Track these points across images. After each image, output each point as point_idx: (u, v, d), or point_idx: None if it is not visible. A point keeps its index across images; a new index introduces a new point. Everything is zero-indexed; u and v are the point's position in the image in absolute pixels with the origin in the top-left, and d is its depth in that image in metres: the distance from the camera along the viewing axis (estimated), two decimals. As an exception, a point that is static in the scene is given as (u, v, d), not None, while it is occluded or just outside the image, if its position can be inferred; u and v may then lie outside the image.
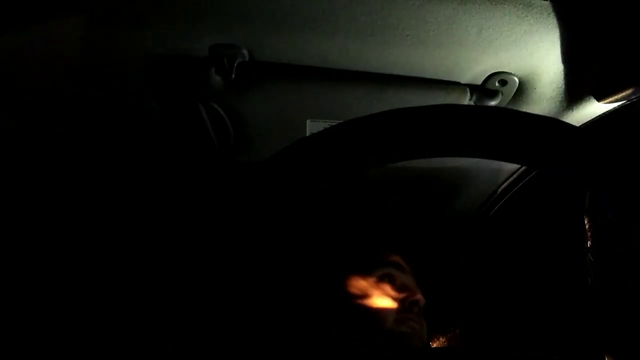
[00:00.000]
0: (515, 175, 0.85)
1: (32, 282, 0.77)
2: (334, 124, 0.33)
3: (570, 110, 0.67)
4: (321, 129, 0.33)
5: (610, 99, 0.62)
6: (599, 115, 0.67)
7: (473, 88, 0.64)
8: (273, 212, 0.32)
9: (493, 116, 0.32)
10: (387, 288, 0.75)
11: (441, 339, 0.97)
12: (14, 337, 0.73)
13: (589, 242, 0.67)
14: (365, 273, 0.76)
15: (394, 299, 0.73)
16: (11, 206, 0.73)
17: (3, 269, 0.75)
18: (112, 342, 0.76)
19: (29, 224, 0.76)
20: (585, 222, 0.68)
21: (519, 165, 0.81)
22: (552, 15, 0.53)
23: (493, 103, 0.65)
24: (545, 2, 0.52)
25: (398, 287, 0.75)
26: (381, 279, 0.75)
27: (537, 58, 0.59)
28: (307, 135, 0.68)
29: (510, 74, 0.62)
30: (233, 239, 0.32)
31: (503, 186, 0.87)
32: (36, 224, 0.77)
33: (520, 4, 0.52)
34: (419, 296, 0.74)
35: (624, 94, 0.59)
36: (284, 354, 0.66)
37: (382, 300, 0.73)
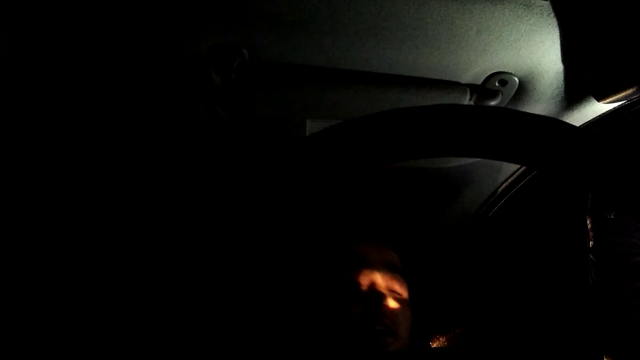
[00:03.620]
0: (515, 175, 0.85)
1: (32, 282, 0.77)
2: (334, 124, 0.33)
3: (570, 110, 0.67)
4: (321, 129, 0.33)
5: (610, 99, 0.62)
6: (599, 115, 0.67)
7: (473, 88, 0.64)
8: (273, 212, 0.32)
9: (493, 116, 0.32)
10: (353, 286, 0.71)
11: (441, 339, 0.97)
12: (14, 337, 0.73)
13: (590, 242, 0.67)
14: (332, 269, 0.73)
15: (358, 298, 0.70)
16: (11, 206, 0.73)
17: (3, 269, 0.75)
18: (112, 342, 0.76)
19: (29, 224, 0.76)
20: (588, 222, 0.68)
21: (519, 165, 0.81)
22: (552, 15, 0.53)
23: (493, 103, 0.65)
24: (545, 2, 0.52)
25: (364, 285, 0.71)
26: (349, 275, 0.72)
27: (537, 58, 0.59)
28: (307, 135, 0.68)
29: (510, 74, 0.61)
30: (230, 240, 0.32)
31: (503, 186, 0.87)
32: (36, 224, 0.77)
33: (520, 4, 0.52)
34: (382, 297, 0.69)
35: (624, 94, 0.59)
36: (272, 353, 0.66)
37: (346, 299, 0.70)
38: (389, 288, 0.72)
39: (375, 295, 0.69)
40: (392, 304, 0.70)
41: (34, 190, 0.73)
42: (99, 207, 0.79)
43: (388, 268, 0.75)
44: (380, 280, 0.72)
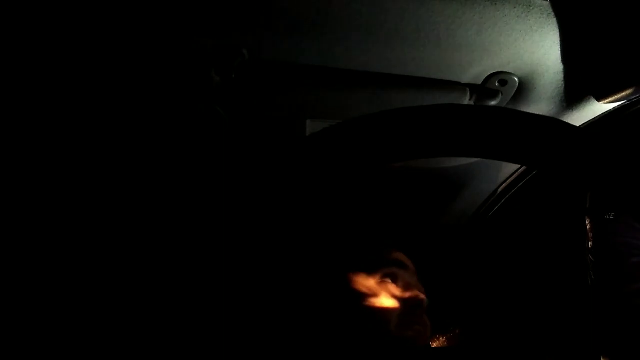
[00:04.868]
0: (515, 175, 0.85)
1: (32, 282, 0.77)
2: (334, 124, 0.33)
3: (570, 110, 0.67)
4: (321, 129, 0.33)
5: (610, 99, 0.62)
6: (599, 115, 0.67)
7: (473, 88, 0.64)
8: (274, 213, 0.32)
9: (493, 116, 0.32)
10: (391, 288, 0.74)
11: (441, 339, 0.97)
12: (14, 337, 0.73)
13: (589, 243, 0.67)
14: (368, 272, 0.75)
15: (397, 299, 0.72)
16: (11, 206, 0.73)
17: (3, 269, 0.75)
18: (112, 342, 0.76)
19: (29, 224, 0.76)
20: (587, 222, 0.68)
21: (519, 165, 0.81)
22: (552, 15, 0.53)
23: (493, 103, 0.65)
24: (545, 2, 0.52)
25: (401, 287, 0.74)
26: (384, 279, 0.74)
27: (537, 58, 0.59)
28: (307, 135, 0.68)
29: (510, 74, 0.62)
30: (232, 240, 0.32)
31: (503, 186, 0.87)
32: (36, 224, 0.77)
33: (520, 4, 0.52)
34: (422, 297, 0.73)
35: (624, 94, 0.59)
36: (285, 353, 0.66)
37: (385, 301, 0.72)
38: (422, 292, 0.76)
39: (418, 299, 0.73)
40: (425, 306, 0.74)
41: (34, 190, 0.73)
42: (99, 207, 0.79)
43: (416, 273, 0.80)
44: (416, 284, 0.77)
